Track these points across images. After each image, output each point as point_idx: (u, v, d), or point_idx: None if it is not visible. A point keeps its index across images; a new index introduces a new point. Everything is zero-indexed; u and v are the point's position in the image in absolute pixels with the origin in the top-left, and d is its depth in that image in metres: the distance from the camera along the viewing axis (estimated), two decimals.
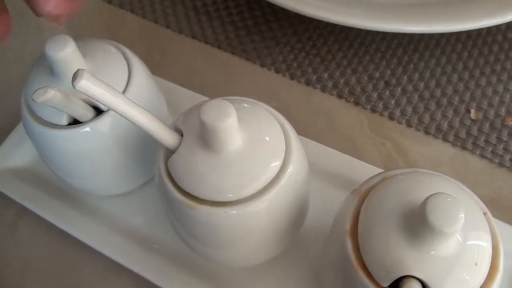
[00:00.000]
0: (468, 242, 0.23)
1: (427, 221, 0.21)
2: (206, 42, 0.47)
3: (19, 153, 0.40)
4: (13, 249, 0.38)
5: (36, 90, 0.25)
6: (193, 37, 0.48)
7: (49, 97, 0.25)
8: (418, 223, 0.22)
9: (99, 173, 0.34)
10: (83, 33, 0.50)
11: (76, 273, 0.36)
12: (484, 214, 0.25)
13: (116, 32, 0.50)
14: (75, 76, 0.23)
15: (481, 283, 0.23)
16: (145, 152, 0.34)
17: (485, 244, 0.23)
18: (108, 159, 0.33)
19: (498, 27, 0.46)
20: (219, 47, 0.47)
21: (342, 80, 0.44)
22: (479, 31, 0.46)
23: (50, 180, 0.39)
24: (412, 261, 0.22)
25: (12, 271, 0.37)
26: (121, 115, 0.25)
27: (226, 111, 0.24)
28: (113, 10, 0.52)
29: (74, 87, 0.23)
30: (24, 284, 0.36)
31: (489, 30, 0.46)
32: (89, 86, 0.23)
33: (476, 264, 0.23)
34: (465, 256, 0.22)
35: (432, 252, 0.22)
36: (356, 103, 0.42)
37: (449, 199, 0.21)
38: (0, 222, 0.39)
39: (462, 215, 0.21)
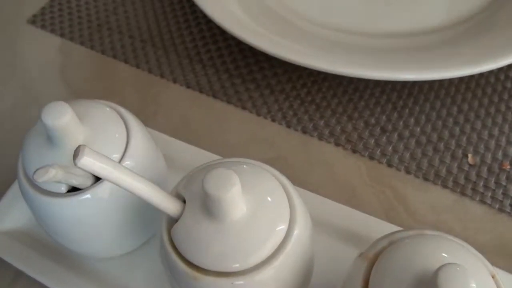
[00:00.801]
0: None
1: None
2: (201, 91, 0.47)
3: (14, 214, 0.39)
4: None
5: (37, 170, 0.25)
6: (188, 86, 0.48)
7: (50, 176, 0.25)
8: None
9: (99, 237, 0.33)
10: (77, 84, 0.50)
11: None
12: (493, 277, 0.25)
13: (110, 82, 0.50)
14: (76, 154, 0.23)
15: None
16: (143, 213, 0.34)
17: None
18: (107, 224, 0.32)
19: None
20: (214, 96, 0.47)
21: (339, 127, 0.44)
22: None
23: (46, 243, 0.38)
24: None
25: None
26: (122, 188, 0.25)
27: (229, 180, 0.24)
28: (106, 61, 0.52)
29: (75, 164, 0.23)
30: None
31: (481, 73, 0.46)
32: (90, 162, 0.23)
33: None
34: None
35: None
36: (354, 151, 0.42)
37: (459, 269, 0.21)
38: None
39: (474, 285, 0.21)
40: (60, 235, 0.33)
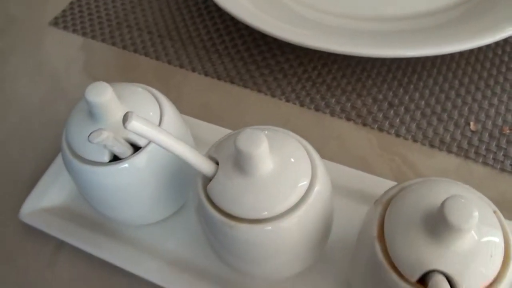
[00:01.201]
0: (483, 237, 0.26)
1: (446, 221, 0.24)
2: (219, 78, 0.51)
3: (53, 192, 0.43)
4: (54, 283, 0.40)
5: (92, 132, 0.28)
6: (206, 74, 0.52)
7: (103, 138, 0.28)
8: (438, 223, 0.25)
9: (135, 204, 0.37)
10: (101, 78, 0.52)
11: None
12: (494, 212, 0.28)
13: (133, 74, 0.53)
14: (125, 118, 0.26)
15: (497, 271, 0.26)
16: (175, 183, 0.37)
17: (498, 238, 0.26)
18: (143, 192, 0.36)
19: (488, 44, 0.49)
20: (232, 82, 0.51)
21: (349, 104, 0.47)
22: (470, 50, 0.50)
23: (85, 215, 0.42)
24: (435, 257, 0.25)
25: None
26: (165, 149, 0.28)
27: (259, 139, 0.28)
28: (128, 55, 0.55)
29: (125, 127, 0.26)
30: None
31: (479, 48, 0.50)
32: (138, 126, 0.26)
33: (491, 256, 0.26)
34: (481, 249, 0.25)
35: (452, 248, 0.25)
36: (364, 124, 0.46)
37: (463, 200, 0.25)
38: (40, 258, 0.41)
39: (476, 213, 0.24)
40: (100, 203, 0.37)
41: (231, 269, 0.35)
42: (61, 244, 0.41)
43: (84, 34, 0.58)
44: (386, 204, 0.29)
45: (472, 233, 0.26)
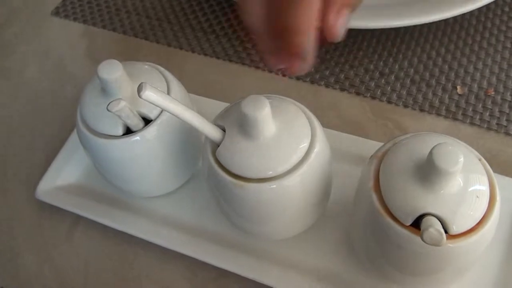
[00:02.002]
0: (469, 181, 0.29)
1: (435, 165, 0.27)
2: (217, 57, 0.54)
3: (66, 171, 0.45)
4: (73, 255, 0.43)
5: (111, 102, 0.31)
6: (205, 54, 0.54)
7: (121, 107, 0.31)
8: (427, 170, 0.28)
9: (147, 175, 0.39)
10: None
11: (133, 266, 0.41)
12: (479, 160, 0.31)
13: (134, 58, 0.55)
14: (140, 88, 0.29)
15: (484, 212, 0.28)
16: (183, 155, 0.40)
17: (483, 181, 0.29)
18: (154, 163, 0.38)
19: (471, 12, 0.52)
20: (230, 60, 0.53)
21: (342, 75, 0.50)
22: (455, 18, 0.52)
23: (98, 190, 0.44)
24: (427, 201, 0.28)
25: (75, 274, 0.42)
26: (177, 116, 0.31)
27: (262, 103, 0.30)
28: (128, 40, 0.57)
29: (140, 96, 0.29)
30: (87, 283, 0.41)
31: (463, 16, 0.52)
32: (152, 95, 0.29)
33: (477, 197, 0.28)
34: (468, 192, 0.28)
35: (441, 192, 0.28)
36: (357, 93, 0.48)
37: (450, 147, 0.27)
38: (58, 233, 0.44)
39: (462, 158, 0.27)
40: (114, 175, 0.40)
41: (241, 231, 0.38)
42: (77, 219, 0.44)
43: (84, 22, 0.60)
44: (381, 158, 0.32)
45: (459, 177, 0.28)
